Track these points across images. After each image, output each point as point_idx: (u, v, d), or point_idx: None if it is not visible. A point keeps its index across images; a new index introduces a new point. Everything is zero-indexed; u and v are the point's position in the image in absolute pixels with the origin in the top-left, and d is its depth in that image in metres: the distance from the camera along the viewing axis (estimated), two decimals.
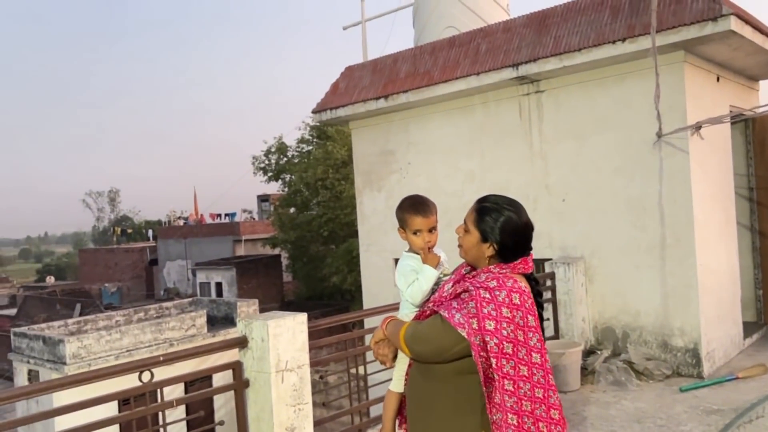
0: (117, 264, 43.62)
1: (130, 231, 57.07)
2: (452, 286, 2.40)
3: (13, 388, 3.77)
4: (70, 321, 16.06)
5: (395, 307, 2.82)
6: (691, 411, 5.54)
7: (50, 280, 53.19)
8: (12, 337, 15.01)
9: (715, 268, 6.98)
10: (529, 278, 2.35)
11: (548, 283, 7.07)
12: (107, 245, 53.71)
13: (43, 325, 15.60)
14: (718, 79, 7.29)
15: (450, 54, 8.29)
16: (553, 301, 7.08)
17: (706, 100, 6.97)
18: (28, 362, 13.96)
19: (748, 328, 7.74)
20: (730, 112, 7.36)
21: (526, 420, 2.18)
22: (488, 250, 2.34)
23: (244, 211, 43.34)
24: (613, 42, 6.63)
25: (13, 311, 37.57)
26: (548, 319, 7.02)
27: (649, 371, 6.50)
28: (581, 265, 7.20)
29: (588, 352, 6.94)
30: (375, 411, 4.80)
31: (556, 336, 7.03)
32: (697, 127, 6.55)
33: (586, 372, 6.58)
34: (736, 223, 7.71)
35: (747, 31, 6.27)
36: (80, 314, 27.16)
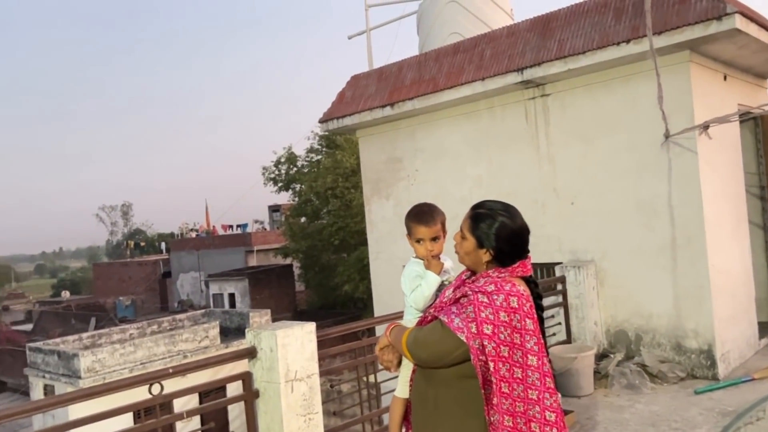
0: (131, 277, 43.93)
1: (143, 244, 57.44)
2: (452, 291, 2.43)
3: (28, 402, 3.81)
4: (84, 335, 16.19)
5: (400, 315, 2.85)
6: (707, 413, 5.48)
7: (65, 294, 53.58)
8: (28, 352, 15.15)
9: (728, 267, 6.92)
10: (528, 281, 2.37)
11: (559, 287, 7.03)
12: (121, 259, 54.06)
13: (58, 340, 15.74)
14: (725, 78, 7.26)
15: (455, 60, 8.31)
16: (565, 305, 7.04)
17: (714, 99, 6.94)
18: (44, 377, 14.06)
19: (764, 328, 7.66)
20: (738, 110, 7.31)
21: (519, 421, 2.21)
22: (485, 256, 2.38)
23: (256, 221, 43.48)
24: (618, 44, 6.61)
25: (29, 326, 37.90)
26: (560, 324, 6.99)
27: (663, 374, 6.45)
28: (592, 268, 7.17)
29: (601, 356, 6.89)
30: (387, 419, 4.79)
31: (569, 340, 6.99)
32: (705, 126, 6.52)
33: (599, 376, 6.53)
34: (748, 222, 7.64)
35: (752, 29, 6.24)
36: (95, 328, 27.34)
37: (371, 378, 5.02)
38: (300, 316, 30.07)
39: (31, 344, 15.76)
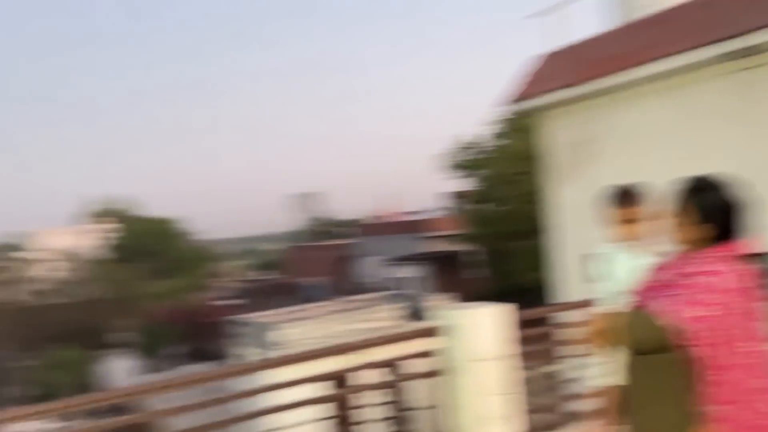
0: (319, 259, 46.74)
1: (331, 229, 60.85)
2: (660, 273, 2.27)
3: (233, 366, 4.16)
4: (278, 311, 17.53)
5: (593, 302, 2.77)
6: None
7: (262, 274, 58.52)
8: (229, 325, 16.78)
9: None
10: (747, 262, 2.13)
11: None
12: (311, 242, 57.70)
13: (256, 315, 17.20)
14: None
15: (652, 32, 7.71)
16: None
17: None
18: (244, 346, 15.46)
19: None
20: None
21: (734, 409, 2.01)
22: (698, 233, 2.17)
23: (433, 208, 44.14)
24: None
25: (232, 302, 41.98)
26: None
27: None
28: None
29: None
30: (571, 407, 4.63)
31: None
32: None
33: None
34: None
35: None
36: (288, 305, 29.50)
37: (554, 366, 4.86)
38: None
39: (232, 318, 17.42)
